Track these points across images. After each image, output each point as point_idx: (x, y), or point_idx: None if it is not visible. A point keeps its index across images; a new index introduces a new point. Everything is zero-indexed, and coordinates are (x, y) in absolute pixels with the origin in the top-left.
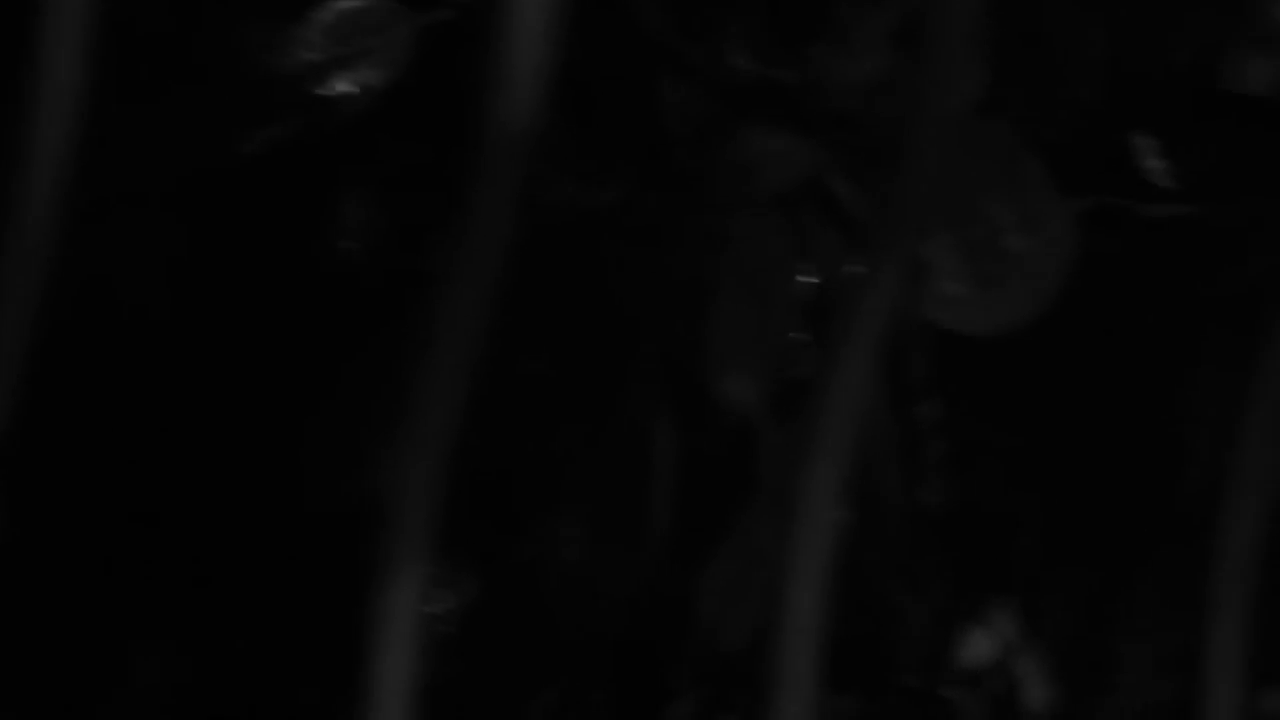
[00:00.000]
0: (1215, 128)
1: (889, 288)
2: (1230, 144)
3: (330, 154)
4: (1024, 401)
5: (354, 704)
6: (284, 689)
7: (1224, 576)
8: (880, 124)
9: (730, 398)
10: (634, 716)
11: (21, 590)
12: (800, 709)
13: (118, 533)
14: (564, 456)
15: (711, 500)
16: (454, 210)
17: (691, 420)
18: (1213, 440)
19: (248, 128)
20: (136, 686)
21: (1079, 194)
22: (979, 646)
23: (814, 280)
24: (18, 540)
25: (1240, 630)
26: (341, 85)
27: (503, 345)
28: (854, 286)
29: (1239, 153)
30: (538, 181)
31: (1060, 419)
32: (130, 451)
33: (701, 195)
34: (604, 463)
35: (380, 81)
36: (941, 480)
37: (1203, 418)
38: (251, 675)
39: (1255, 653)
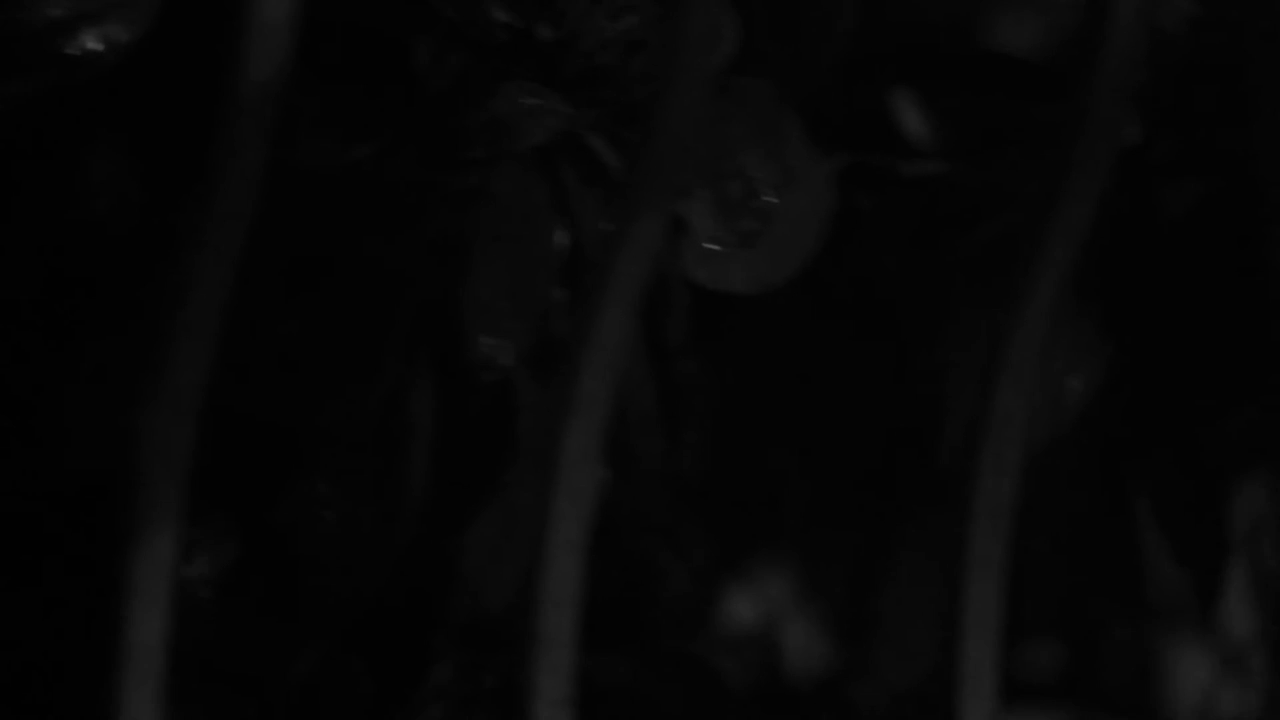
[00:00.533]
0: (971, 86)
1: (646, 245)
2: (985, 103)
3: (77, 111)
4: (783, 359)
5: (107, 666)
6: (37, 652)
7: (979, 531)
8: (637, 81)
9: (489, 356)
10: (395, 679)
11: None
12: (559, 669)
13: None
14: (320, 417)
15: (472, 460)
16: (203, 167)
17: (450, 379)
18: (969, 396)
19: None
20: None
21: (836, 151)
22: (743, 607)
23: (572, 238)
24: None
25: (997, 585)
26: (88, 42)
27: (255, 304)
28: (611, 244)
29: (994, 111)
30: (289, 137)
31: (820, 376)
32: None
33: (458, 152)
34: (362, 424)
35: (127, 37)
36: (702, 439)
37: (959, 374)
38: (2, 640)
39: (1013, 606)
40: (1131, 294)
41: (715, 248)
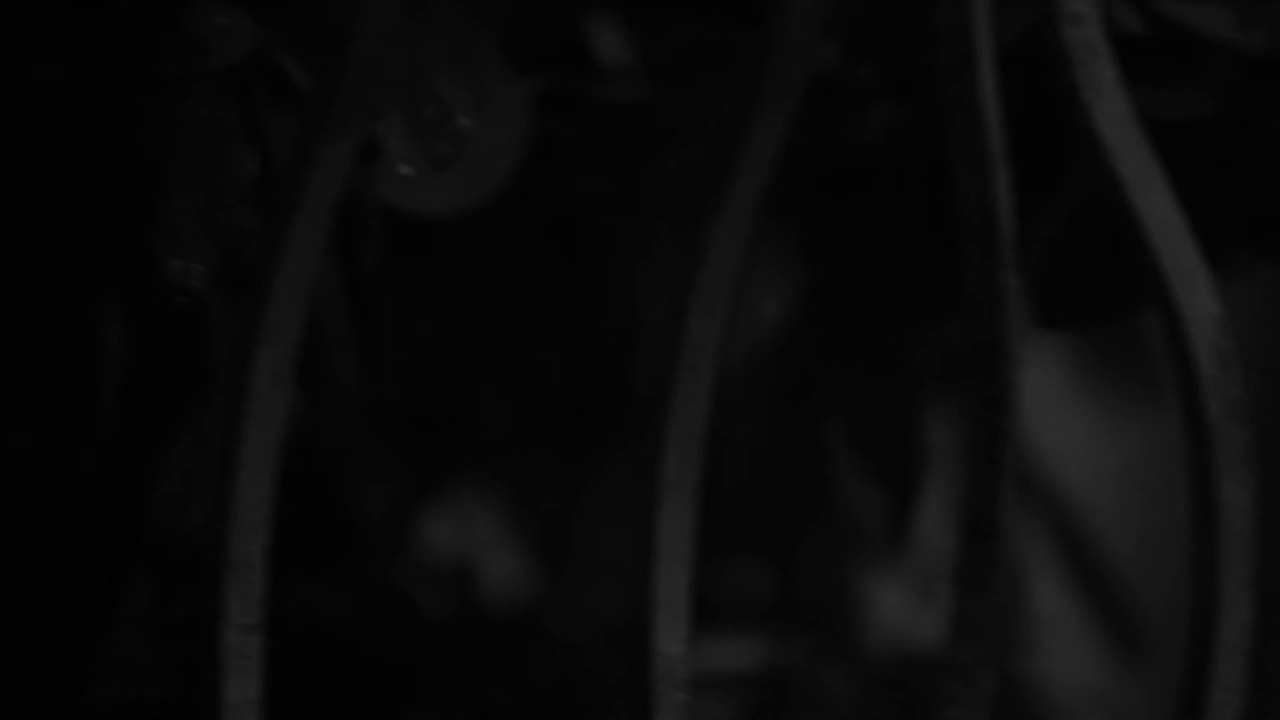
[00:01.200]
0: (669, 10)
1: (336, 168)
2: (683, 27)
3: None
4: (482, 283)
5: None
6: None
7: (671, 455)
8: (331, 1)
9: (179, 281)
10: (87, 607)
11: None
12: (249, 595)
13: None
14: (7, 343)
15: (163, 386)
16: None
17: (141, 304)
18: (664, 321)
19: None
20: None
21: (533, 74)
22: (442, 534)
23: (263, 161)
24: None
25: (688, 509)
26: None
27: None
28: (300, 166)
29: (692, 35)
30: None
31: (519, 301)
32: None
33: (149, 73)
34: (51, 350)
35: None
36: (399, 363)
37: (657, 298)
38: None
39: (709, 531)
40: (827, 218)
41: (408, 171)
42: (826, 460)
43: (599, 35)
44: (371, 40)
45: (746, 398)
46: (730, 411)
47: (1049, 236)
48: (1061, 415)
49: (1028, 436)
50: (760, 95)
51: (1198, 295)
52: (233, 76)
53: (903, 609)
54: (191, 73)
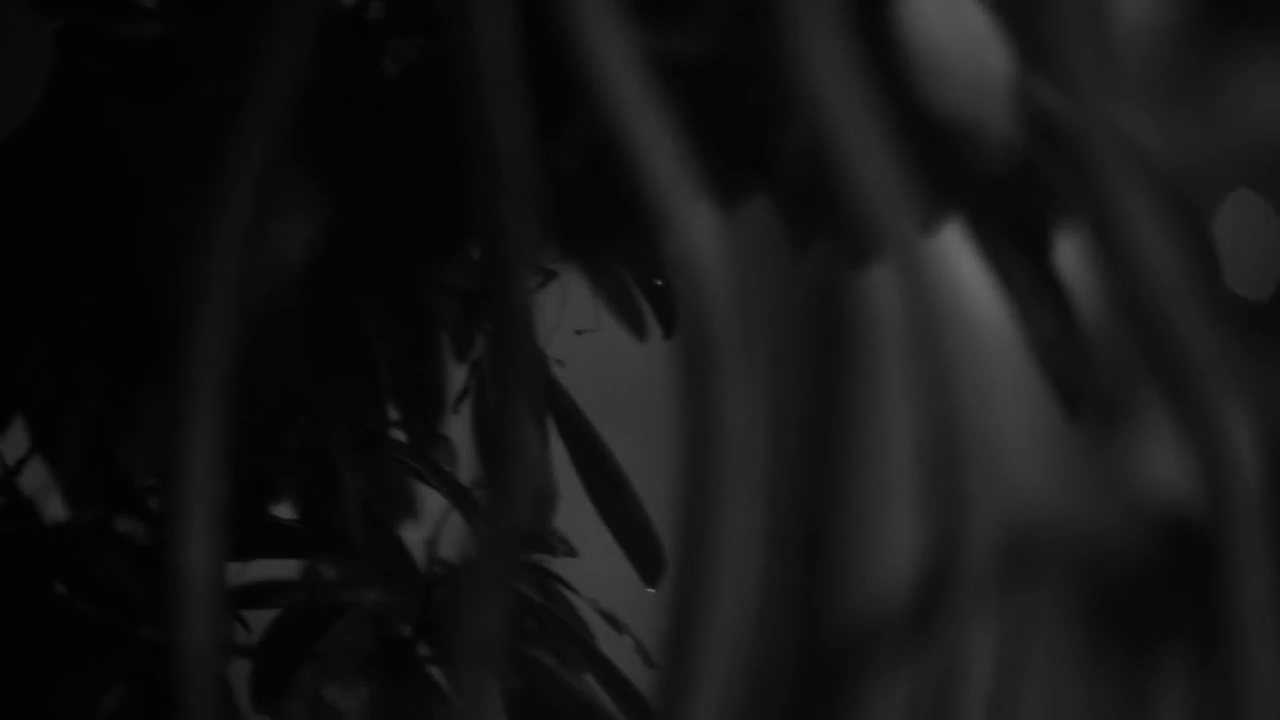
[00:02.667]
0: None
1: None
2: None
3: None
4: (12, 218)
5: None
6: None
7: (193, 385)
8: None
9: None
10: None
11: None
12: None
13: None
14: None
15: None
16: None
17: None
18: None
19: None
20: None
21: (54, 12)
22: None
23: None
24: None
25: (216, 438)
26: None
27: None
28: None
29: None
30: None
31: (46, 238)
32: None
33: None
34: None
35: None
36: None
37: (183, 233)
38: None
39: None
40: (349, 152)
41: None
42: (359, 387)
43: None
44: None
45: (275, 332)
46: (260, 346)
47: (565, 169)
48: (592, 338)
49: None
50: (274, 29)
51: (694, 219)
52: None
53: (434, 520)
54: None
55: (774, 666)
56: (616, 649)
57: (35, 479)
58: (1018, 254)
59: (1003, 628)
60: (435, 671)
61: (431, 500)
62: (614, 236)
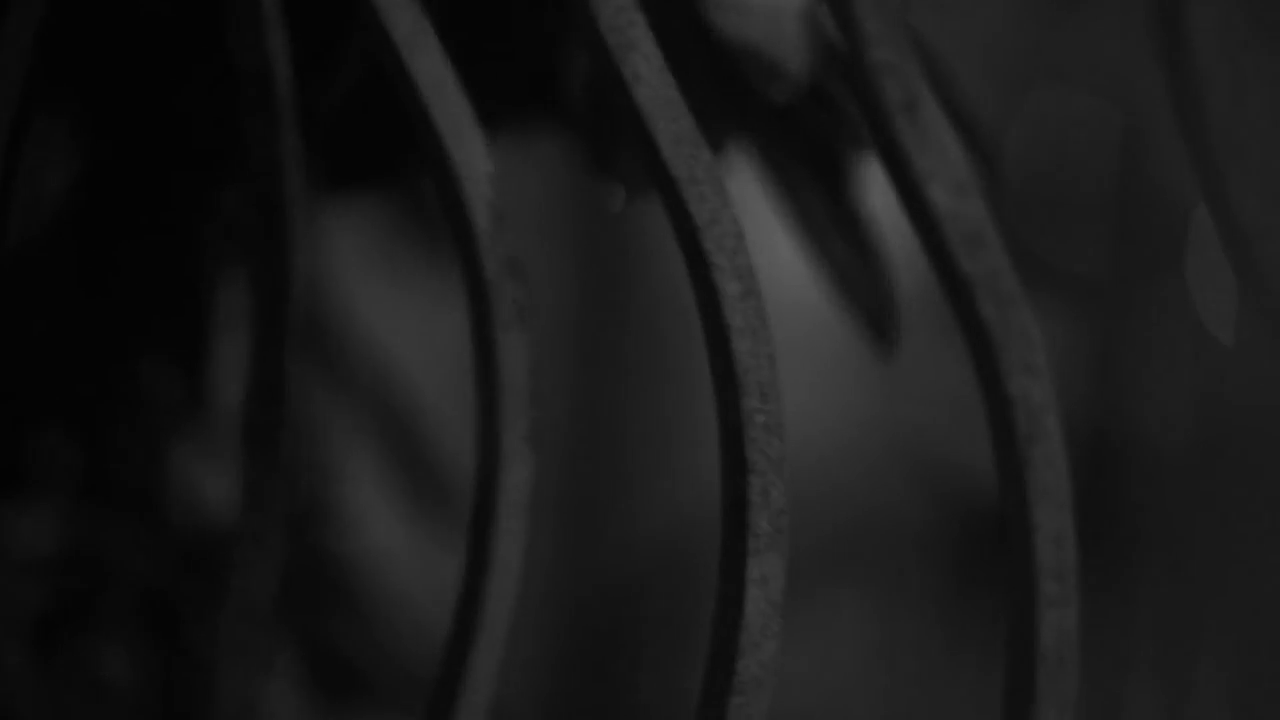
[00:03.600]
0: None
1: None
2: None
3: None
4: None
5: None
6: None
7: None
8: None
9: None
10: None
11: None
12: None
13: None
14: None
15: None
16: None
17: None
18: None
19: None
20: None
21: None
22: None
23: None
24: None
25: None
26: None
27: None
28: None
29: None
30: None
31: None
32: None
33: None
34: None
35: None
36: None
37: None
38: None
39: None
40: (106, 91)
41: None
42: (123, 333)
43: None
44: None
45: (38, 275)
46: (18, 291)
47: (333, 98)
48: (370, 286)
49: (343, 309)
50: None
51: (471, 153)
52: None
53: (204, 478)
54: None
55: (556, 616)
56: (398, 616)
57: None
58: (813, 184)
59: (792, 580)
60: (201, 633)
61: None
62: (386, 173)
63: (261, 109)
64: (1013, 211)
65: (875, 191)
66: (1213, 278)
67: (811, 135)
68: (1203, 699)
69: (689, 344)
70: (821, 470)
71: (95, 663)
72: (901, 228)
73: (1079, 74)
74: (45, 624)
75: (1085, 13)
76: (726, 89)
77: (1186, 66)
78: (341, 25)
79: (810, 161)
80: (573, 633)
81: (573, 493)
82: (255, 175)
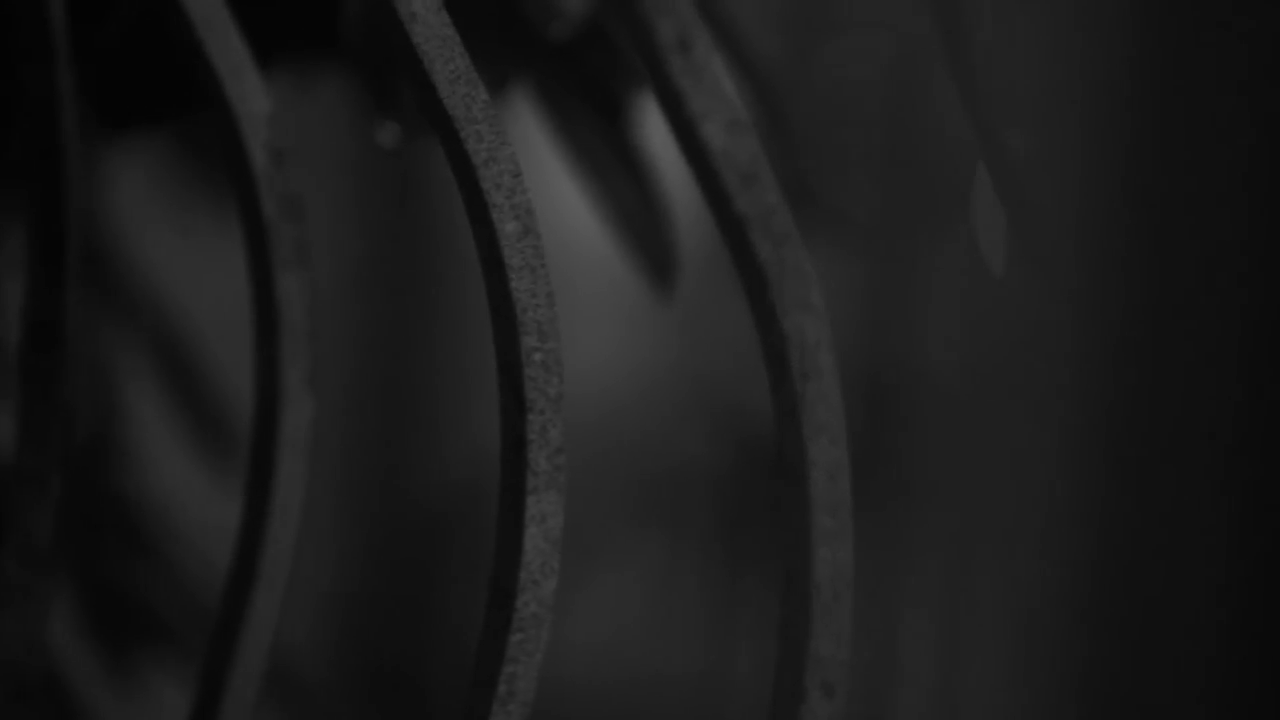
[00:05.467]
0: None
1: None
2: None
3: None
4: None
5: None
6: None
7: None
8: None
9: None
10: None
11: None
12: None
13: None
14: None
15: None
16: None
17: None
18: None
19: None
20: None
21: None
22: None
23: None
24: None
25: None
26: None
27: None
28: None
29: None
30: None
31: None
32: None
33: None
34: None
35: None
36: None
37: None
38: None
39: None
40: None
41: None
42: None
43: None
44: None
45: None
46: None
47: (109, 37)
48: (152, 226)
49: (126, 249)
50: None
51: (248, 93)
52: None
53: None
54: None
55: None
56: (185, 555)
57: None
58: (592, 123)
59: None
60: None
61: None
62: (167, 114)
63: (35, 49)
64: (793, 152)
65: (655, 131)
66: (986, 210)
67: (590, 75)
68: (978, 630)
69: (480, 284)
70: (607, 409)
71: None
72: (681, 167)
73: (861, 20)
74: None
75: None
76: (505, 28)
77: (953, 5)
78: None
79: (589, 101)
80: (378, 569)
81: (370, 433)
82: (30, 116)
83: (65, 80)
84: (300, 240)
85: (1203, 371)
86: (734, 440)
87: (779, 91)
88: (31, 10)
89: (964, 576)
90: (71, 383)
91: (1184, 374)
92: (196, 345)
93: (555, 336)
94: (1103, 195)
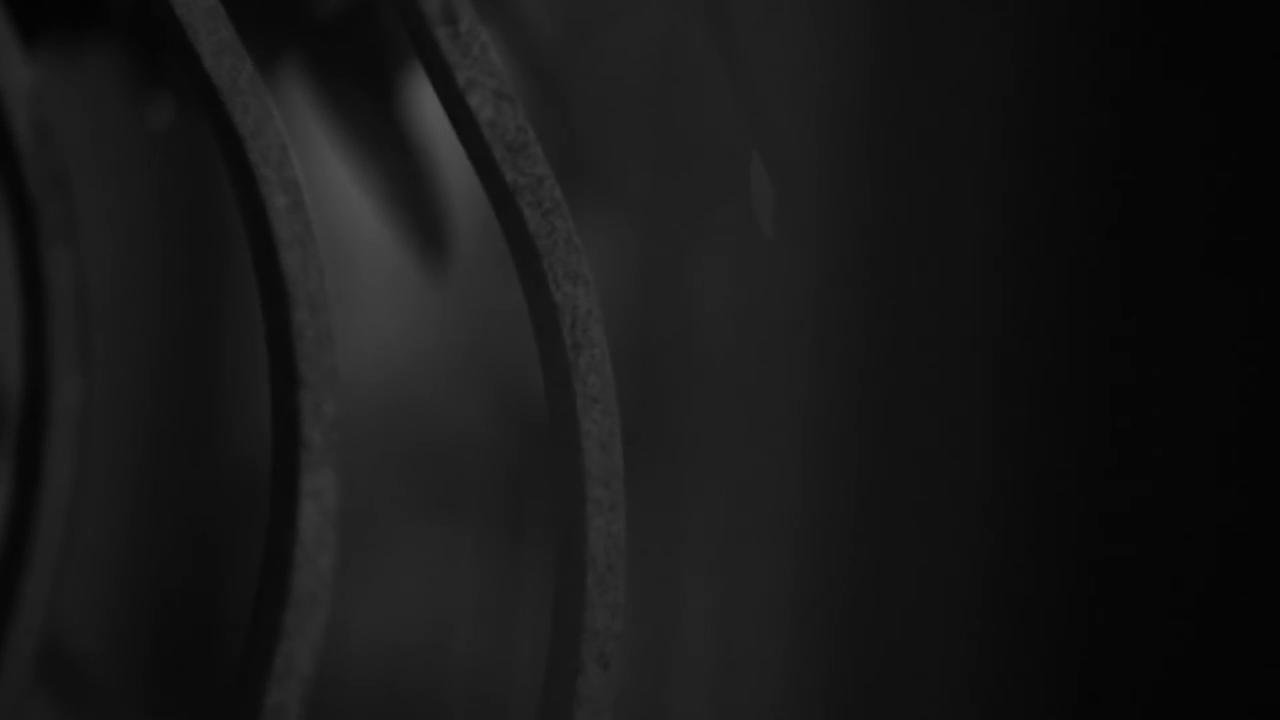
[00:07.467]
0: None
1: None
2: None
3: None
4: None
5: None
6: None
7: None
8: None
9: None
10: None
11: None
12: None
13: None
14: None
15: None
16: None
17: None
18: None
19: None
20: None
21: None
22: None
23: None
24: None
25: None
26: None
27: None
28: None
29: None
30: None
31: None
32: None
33: None
34: None
35: None
36: None
37: None
38: None
39: None
40: None
41: None
42: None
43: None
44: None
45: None
46: None
47: None
48: None
49: None
50: None
51: (12, 67)
52: None
53: None
54: None
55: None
56: None
57: None
58: (362, 97)
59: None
60: None
61: None
62: None
63: None
64: (565, 125)
65: (428, 109)
66: (758, 179)
67: (360, 51)
68: (754, 599)
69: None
70: (384, 385)
71: None
72: (456, 144)
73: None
74: None
75: None
76: (273, 3)
77: None
78: None
79: (360, 77)
80: (165, 551)
81: (162, 413)
82: None
83: None
84: (68, 216)
85: (953, 329)
86: (512, 413)
87: (554, 68)
88: None
89: (738, 545)
90: None
91: (937, 335)
92: None
93: (326, 310)
94: (848, 164)
